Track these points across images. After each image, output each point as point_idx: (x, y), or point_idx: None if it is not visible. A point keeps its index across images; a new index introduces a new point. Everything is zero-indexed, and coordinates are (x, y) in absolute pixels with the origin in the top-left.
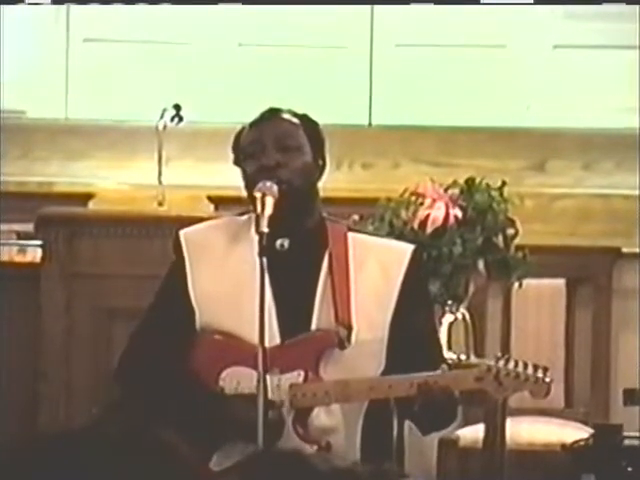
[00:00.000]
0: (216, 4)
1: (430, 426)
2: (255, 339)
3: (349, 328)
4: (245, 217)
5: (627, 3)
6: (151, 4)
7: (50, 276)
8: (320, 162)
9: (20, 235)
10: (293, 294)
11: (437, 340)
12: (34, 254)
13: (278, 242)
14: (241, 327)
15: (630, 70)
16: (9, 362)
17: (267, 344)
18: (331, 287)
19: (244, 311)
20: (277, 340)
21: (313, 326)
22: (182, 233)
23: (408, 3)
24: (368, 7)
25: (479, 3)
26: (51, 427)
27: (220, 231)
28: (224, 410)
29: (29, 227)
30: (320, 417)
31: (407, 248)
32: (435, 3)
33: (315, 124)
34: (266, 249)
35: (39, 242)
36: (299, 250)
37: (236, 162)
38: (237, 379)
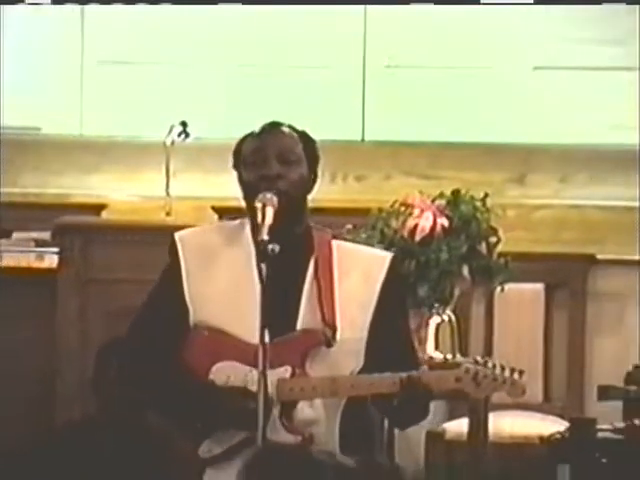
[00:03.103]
0: (215, 4)
1: (405, 421)
2: (245, 336)
3: (334, 328)
4: (237, 222)
5: (627, 3)
6: (151, 4)
7: (66, 281)
8: (312, 176)
9: (38, 242)
10: (281, 295)
11: (411, 341)
12: (51, 260)
13: (270, 247)
14: (232, 325)
15: (605, 90)
16: (26, 363)
17: (256, 341)
18: (317, 290)
19: (235, 310)
20: (265, 338)
21: (298, 326)
22: (177, 236)
23: (408, 3)
24: (362, 31)
25: (479, 3)
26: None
27: (213, 234)
28: (214, 401)
29: (47, 235)
30: (304, 410)
31: (386, 255)
32: (435, 3)
33: (313, 141)
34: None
35: (56, 249)
36: (288, 255)
37: (235, 166)
38: (227, 373)
